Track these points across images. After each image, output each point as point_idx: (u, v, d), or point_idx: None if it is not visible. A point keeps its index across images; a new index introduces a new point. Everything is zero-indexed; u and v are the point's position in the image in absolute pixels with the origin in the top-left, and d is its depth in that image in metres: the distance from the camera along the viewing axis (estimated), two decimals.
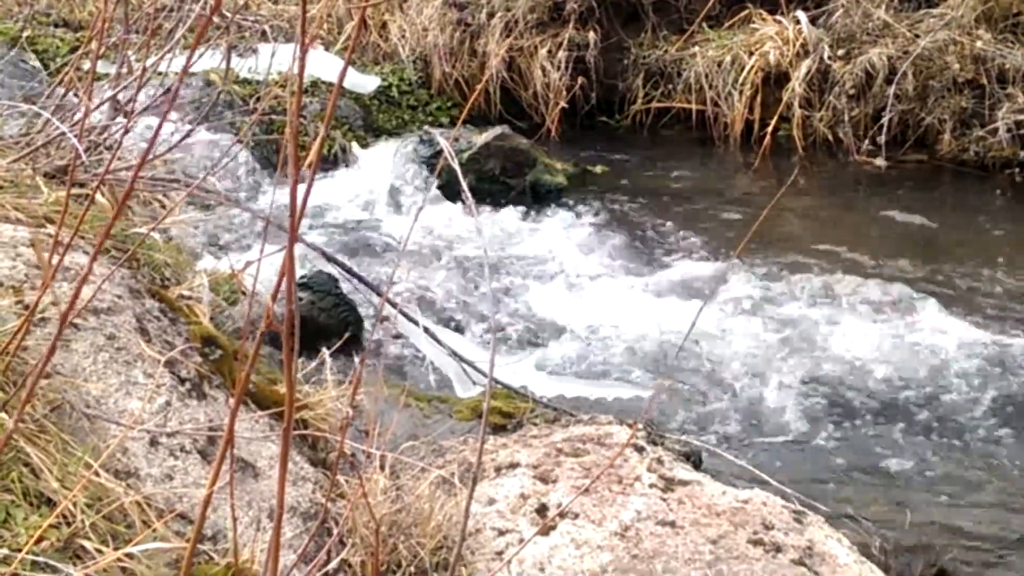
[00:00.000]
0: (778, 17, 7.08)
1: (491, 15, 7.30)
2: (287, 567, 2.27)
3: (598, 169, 6.72)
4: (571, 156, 6.81)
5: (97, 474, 2.16)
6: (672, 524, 2.79)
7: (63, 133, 3.38)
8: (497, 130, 6.44)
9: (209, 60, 5.43)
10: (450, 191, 5.98)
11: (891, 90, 6.55)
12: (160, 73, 3.93)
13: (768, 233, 5.70)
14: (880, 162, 6.61)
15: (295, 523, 2.53)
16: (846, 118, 6.72)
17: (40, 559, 1.90)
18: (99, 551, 2.00)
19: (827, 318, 4.94)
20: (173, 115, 6.21)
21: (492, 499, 2.88)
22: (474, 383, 3.98)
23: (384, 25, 7.66)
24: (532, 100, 7.33)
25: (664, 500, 2.88)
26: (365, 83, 7.08)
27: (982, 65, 6.51)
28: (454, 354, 3.99)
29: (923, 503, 3.74)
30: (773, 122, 6.84)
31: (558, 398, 4.03)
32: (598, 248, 5.73)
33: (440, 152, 6.09)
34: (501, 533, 2.77)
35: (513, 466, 3.02)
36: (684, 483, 2.97)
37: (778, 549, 2.74)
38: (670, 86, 7.27)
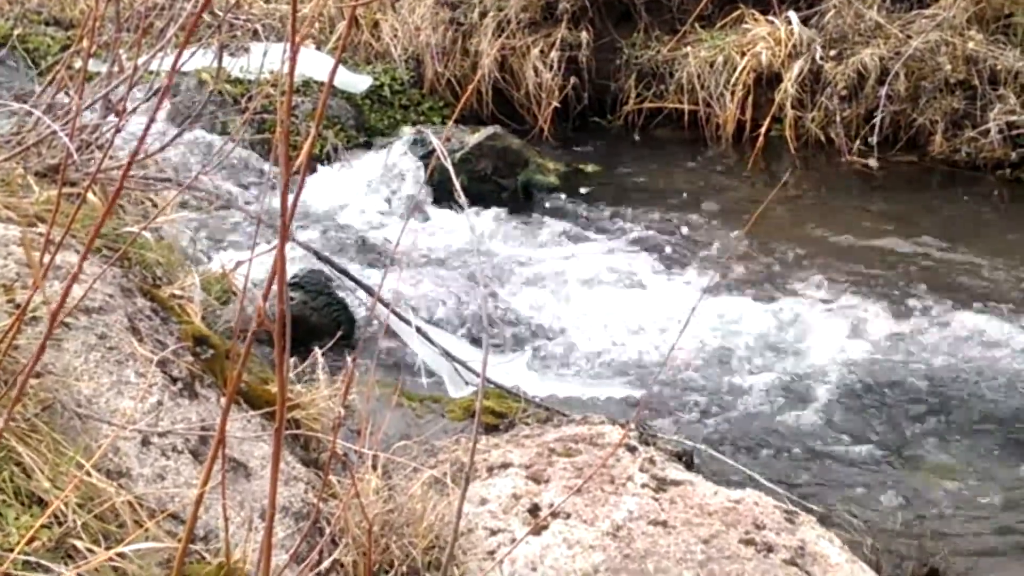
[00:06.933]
0: (770, 17, 7.08)
1: (483, 15, 7.29)
2: (279, 567, 2.26)
3: (590, 169, 6.72)
4: (563, 156, 6.81)
5: (89, 474, 2.15)
6: (664, 524, 2.79)
7: (54, 132, 3.37)
8: (489, 130, 6.44)
9: (201, 59, 5.42)
10: (442, 191, 5.99)
11: (883, 91, 6.56)
12: (152, 72, 3.93)
13: (760, 233, 5.70)
14: (872, 163, 6.62)
15: (287, 523, 2.53)
16: (838, 119, 6.72)
17: (32, 559, 1.89)
18: (91, 551, 2.00)
19: (819, 318, 4.95)
20: (164, 114, 6.22)
21: (484, 499, 2.87)
22: (466, 383, 3.98)
23: (376, 24, 7.65)
24: (524, 100, 7.32)
25: (656, 500, 2.88)
26: (357, 82, 7.06)
27: (974, 66, 6.52)
28: (446, 354, 3.99)
29: (915, 503, 3.75)
30: (765, 123, 6.84)
31: (550, 398, 4.03)
32: (590, 248, 5.73)
33: (432, 152, 6.08)
34: (493, 533, 2.77)
35: (505, 466, 3.02)
36: (676, 483, 2.97)
37: (770, 549, 2.74)
38: (662, 86, 7.27)
